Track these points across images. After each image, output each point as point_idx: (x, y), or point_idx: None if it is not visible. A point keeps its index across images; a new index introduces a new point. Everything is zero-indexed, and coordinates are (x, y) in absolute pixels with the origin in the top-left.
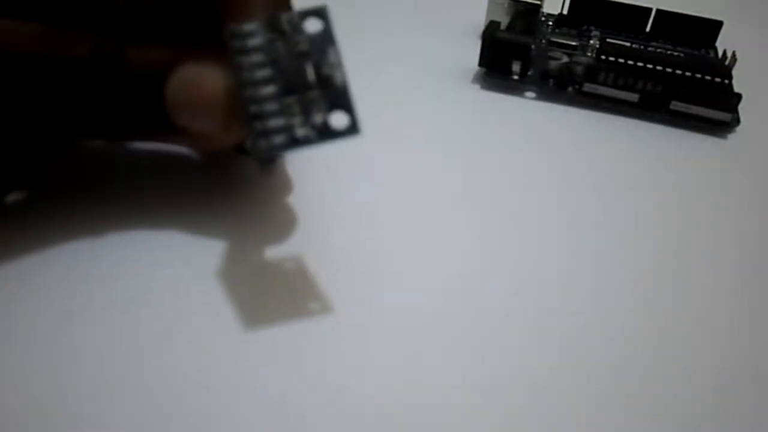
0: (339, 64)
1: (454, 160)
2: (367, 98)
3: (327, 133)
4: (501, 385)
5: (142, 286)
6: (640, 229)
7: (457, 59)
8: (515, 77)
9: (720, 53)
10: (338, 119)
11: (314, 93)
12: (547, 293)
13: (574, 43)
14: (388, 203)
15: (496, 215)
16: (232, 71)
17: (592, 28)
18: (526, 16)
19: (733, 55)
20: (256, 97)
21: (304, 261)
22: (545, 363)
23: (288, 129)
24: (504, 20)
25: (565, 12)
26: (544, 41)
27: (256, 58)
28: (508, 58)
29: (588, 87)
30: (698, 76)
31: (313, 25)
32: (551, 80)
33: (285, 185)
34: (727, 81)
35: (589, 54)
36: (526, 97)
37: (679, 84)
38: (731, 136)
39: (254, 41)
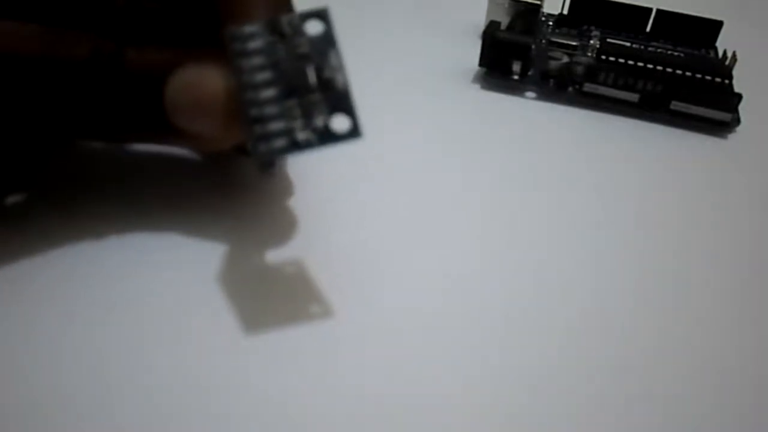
0: (340, 67)
1: (454, 160)
2: (367, 98)
3: (328, 137)
4: (501, 385)
5: (142, 288)
6: (640, 229)
7: (457, 59)
8: (515, 77)
9: (720, 53)
10: (340, 123)
11: (315, 96)
12: (547, 293)
13: (574, 43)
14: (389, 203)
15: (496, 215)
16: (233, 74)
17: (592, 28)
18: (526, 16)
19: (733, 55)
20: (257, 101)
21: (305, 262)
22: (545, 363)
23: (289, 133)
24: (504, 20)
25: (565, 12)
26: (544, 41)
27: (257, 60)
28: (509, 58)
29: (588, 87)
30: (698, 76)
31: (314, 27)
32: (551, 80)
33: (285, 187)
34: (727, 81)
35: (589, 54)
36: (526, 97)
37: (679, 84)
38: (731, 136)
39: (255, 44)
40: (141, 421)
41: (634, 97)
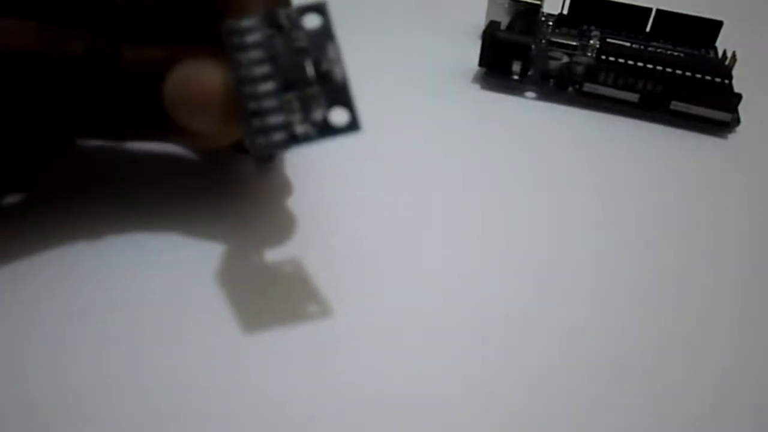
0: (339, 60)
1: (454, 159)
2: (367, 98)
3: (327, 130)
4: (501, 385)
5: (141, 288)
6: (640, 229)
7: (457, 59)
8: (515, 77)
9: (720, 53)
10: (338, 116)
11: (314, 89)
12: (547, 293)
13: (574, 43)
14: (388, 203)
15: (496, 215)
16: (230, 68)
17: (592, 28)
18: (526, 16)
19: (733, 55)
20: (255, 94)
21: (305, 262)
22: (545, 363)
23: (287, 126)
24: (504, 20)
25: (565, 12)
26: (544, 41)
27: (255, 54)
28: (508, 58)
29: (588, 87)
30: (698, 76)
31: (311, 21)
32: (551, 80)
33: (284, 186)
34: (727, 81)
35: (589, 54)
36: (526, 97)
37: (679, 84)
38: (731, 136)
39: (252, 37)
40: (140, 419)
41: (634, 97)
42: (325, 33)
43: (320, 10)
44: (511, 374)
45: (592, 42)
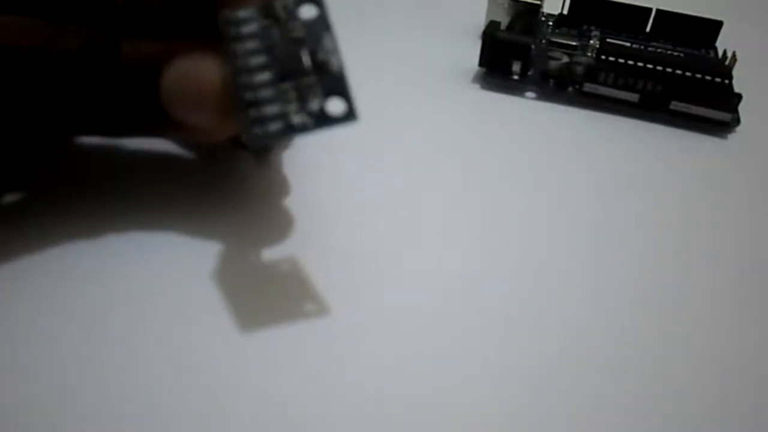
0: (335, 50)
1: (454, 160)
2: (367, 98)
3: (324, 120)
4: (501, 385)
5: (138, 286)
6: (640, 229)
7: (457, 59)
8: (515, 77)
9: (720, 53)
10: (335, 105)
11: (310, 79)
12: (547, 293)
13: (574, 43)
14: (388, 203)
15: (496, 215)
16: (227, 58)
17: (592, 28)
18: (526, 16)
19: (733, 55)
20: (251, 84)
21: (304, 261)
22: (545, 363)
23: (284, 116)
24: (504, 20)
25: (565, 12)
26: (544, 41)
27: (251, 44)
28: (508, 58)
29: (588, 87)
30: (698, 76)
31: (308, 12)
32: (551, 80)
33: (283, 185)
34: (727, 81)
35: (589, 54)
36: (526, 97)
37: (679, 84)
38: (731, 136)
39: (249, 28)
40: (140, 419)
41: (634, 97)
42: (322, 23)
43: (316, 1)
44: (511, 374)
45: (592, 42)
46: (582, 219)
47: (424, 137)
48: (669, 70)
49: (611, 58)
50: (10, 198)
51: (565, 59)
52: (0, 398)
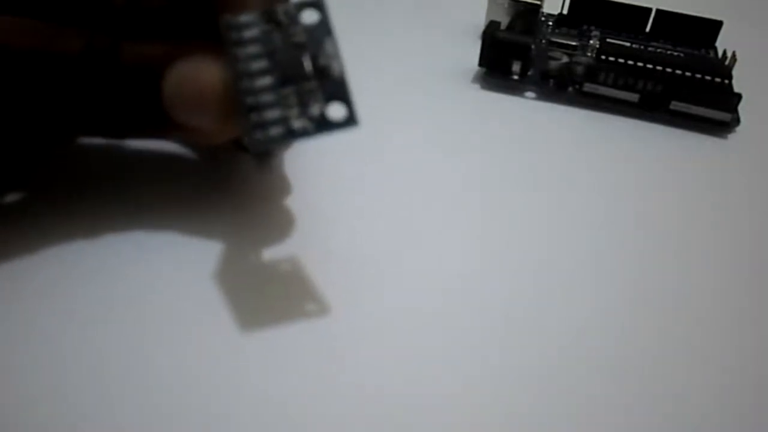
0: (336, 55)
1: (454, 160)
2: (367, 98)
3: (324, 125)
4: (501, 385)
5: (139, 287)
6: (640, 229)
7: (457, 59)
8: (515, 77)
9: (720, 53)
10: (336, 111)
11: (311, 84)
12: (547, 293)
13: (574, 43)
14: (388, 203)
15: (496, 215)
16: (228, 63)
17: (592, 28)
18: (526, 16)
19: (733, 55)
20: (252, 89)
21: (304, 261)
22: (545, 363)
23: (284, 121)
24: (504, 20)
25: (565, 12)
26: (544, 41)
27: (252, 49)
28: (508, 58)
29: (588, 87)
30: (698, 76)
31: (309, 16)
32: (551, 80)
33: (283, 185)
34: (727, 81)
35: (589, 54)
36: (526, 97)
37: (679, 84)
38: (731, 136)
39: (250, 32)
40: (140, 419)
41: (634, 97)
42: (323, 28)
43: (318, 5)
44: (511, 374)
45: (592, 42)
46: (582, 219)
47: (424, 137)
48: (669, 70)
49: (611, 58)
50: (11, 198)
51: (565, 59)
52: (0, 398)
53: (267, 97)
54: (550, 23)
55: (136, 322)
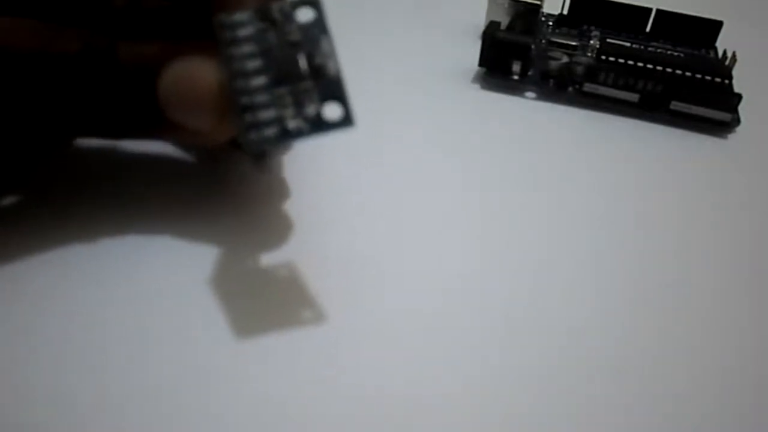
0: (332, 54)
1: (454, 160)
2: (367, 99)
3: (320, 125)
4: (501, 385)
5: (137, 290)
6: (640, 229)
7: (457, 59)
8: (515, 77)
9: (720, 53)
10: (331, 111)
11: (307, 84)
12: (547, 293)
13: (574, 43)
14: (388, 203)
15: (496, 215)
16: (223, 62)
17: (592, 28)
18: (526, 16)
19: (733, 55)
20: (247, 89)
21: (303, 262)
22: (545, 363)
23: (279, 121)
24: (504, 20)
25: (565, 12)
26: (544, 41)
27: (247, 48)
28: (508, 58)
29: (588, 87)
30: (698, 76)
31: (305, 15)
32: (551, 80)
33: (282, 187)
34: (727, 81)
35: (589, 54)
36: (526, 97)
37: (679, 84)
38: (731, 136)
39: (245, 31)
40: (140, 419)
41: (634, 97)
42: (319, 27)
43: (314, 3)
44: (511, 374)
45: (592, 42)
46: (582, 219)
47: (424, 137)
48: (669, 70)
49: (611, 58)
50: (10, 200)
51: (565, 59)
52: (0, 398)
53: (261, 97)
54: (550, 23)
55: (133, 324)
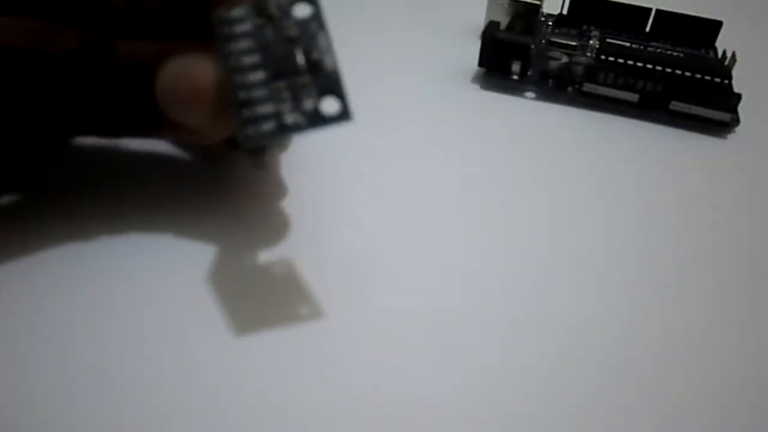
0: (329, 49)
1: (454, 159)
2: (367, 98)
3: (317, 120)
4: (501, 385)
5: (135, 289)
6: (640, 228)
7: (457, 59)
8: (515, 77)
9: (720, 53)
10: (329, 105)
11: (304, 78)
12: (547, 293)
13: (574, 43)
14: (387, 203)
15: (496, 215)
16: (220, 58)
17: (592, 28)
18: (526, 16)
19: (733, 55)
20: (245, 84)
21: (301, 262)
22: (545, 363)
23: (277, 115)
24: (504, 20)
25: (565, 12)
26: (544, 41)
27: (244, 44)
28: (508, 58)
29: (588, 87)
30: (698, 76)
31: (302, 10)
32: (551, 80)
33: (280, 186)
34: (727, 81)
35: (588, 54)
36: (526, 97)
37: (679, 84)
38: (731, 136)
39: (242, 27)
40: (140, 419)
41: (633, 97)
42: (316, 22)
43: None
44: (511, 374)
45: (591, 42)
46: (582, 219)
47: (423, 137)
48: (669, 70)
49: (611, 58)
50: (9, 199)
51: (565, 59)
52: (0, 398)
53: (259, 92)
54: (550, 23)
55: (132, 323)
